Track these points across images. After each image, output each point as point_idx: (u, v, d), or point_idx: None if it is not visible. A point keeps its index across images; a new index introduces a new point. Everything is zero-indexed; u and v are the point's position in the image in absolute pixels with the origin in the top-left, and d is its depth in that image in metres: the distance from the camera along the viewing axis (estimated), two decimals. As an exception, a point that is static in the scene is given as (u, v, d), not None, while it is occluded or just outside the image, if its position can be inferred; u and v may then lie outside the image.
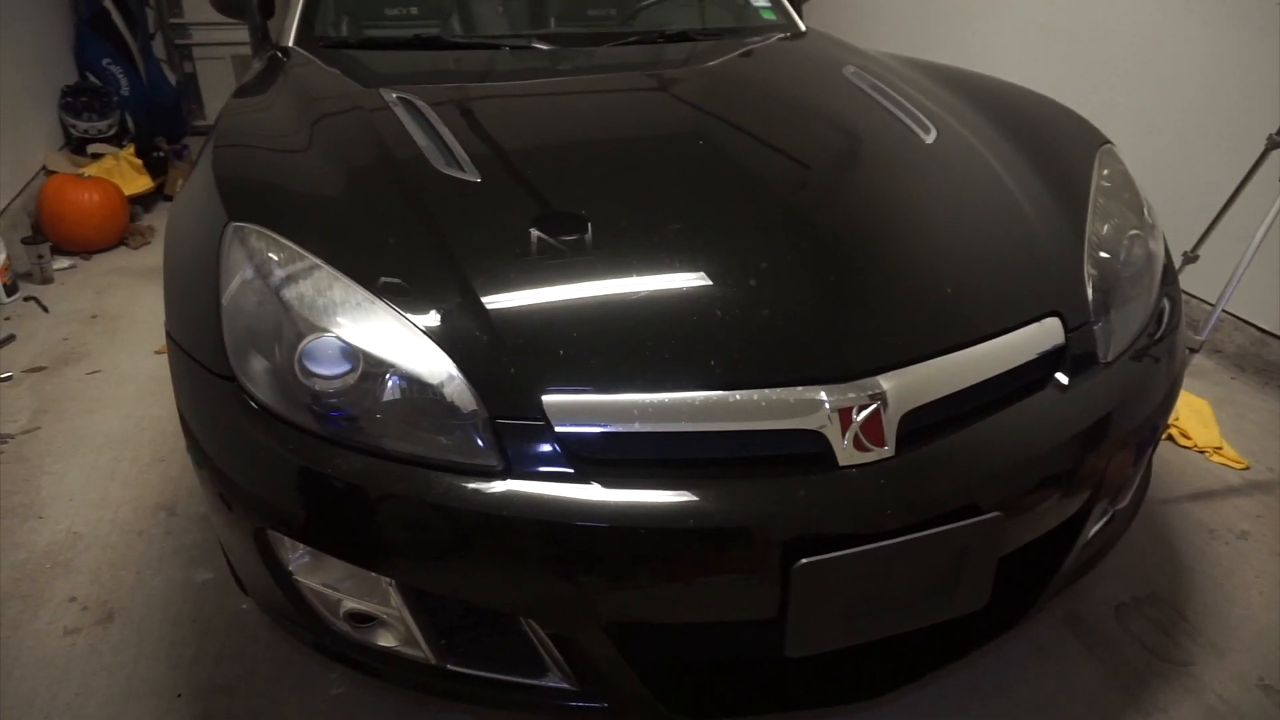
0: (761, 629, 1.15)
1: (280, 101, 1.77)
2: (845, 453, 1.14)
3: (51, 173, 3.80)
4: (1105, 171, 1.64)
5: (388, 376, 1.14)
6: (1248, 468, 2.15)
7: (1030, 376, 1.30)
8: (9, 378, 2.57)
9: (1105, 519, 1.50)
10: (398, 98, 1.68)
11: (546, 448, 1.11)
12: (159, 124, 4.63)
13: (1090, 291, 1.41)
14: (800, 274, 1.30)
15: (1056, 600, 1.68)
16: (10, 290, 3.10)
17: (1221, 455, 2.19)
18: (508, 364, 1.14)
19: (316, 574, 1.23)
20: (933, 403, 1.20)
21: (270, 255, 1.23)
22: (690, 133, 1.69)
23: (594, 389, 1.13)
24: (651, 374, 1.15)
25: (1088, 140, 1.72)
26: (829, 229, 1.42)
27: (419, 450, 1.12)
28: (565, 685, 1.21)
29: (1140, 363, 1.40)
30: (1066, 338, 1.33)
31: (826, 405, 1.14)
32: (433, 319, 1.17)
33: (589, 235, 1.32)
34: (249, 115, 1.74)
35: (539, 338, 1.17)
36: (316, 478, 1.13)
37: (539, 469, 1.10)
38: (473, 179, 1.42)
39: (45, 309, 3.06)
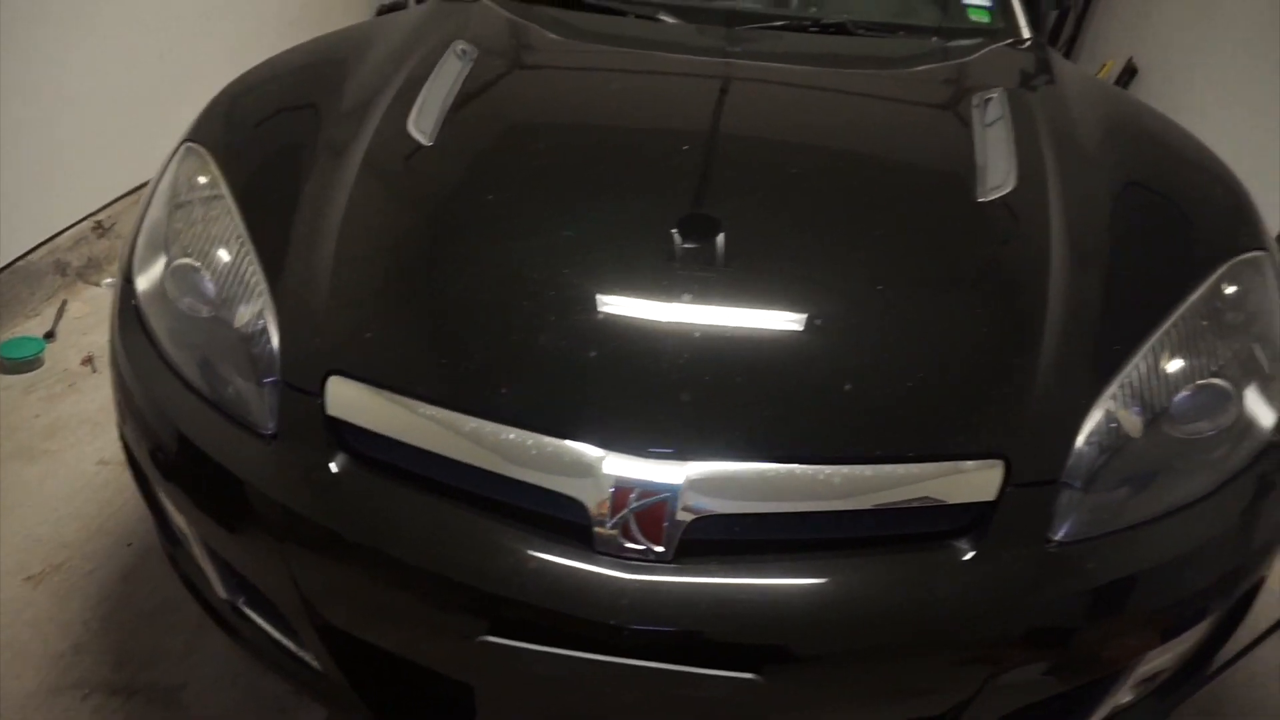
0: (465, 691, 1.03)
1: (377, 28, 1.82)
2: (603, 536, 0.96)
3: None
4: (1229, 290, 1.17)
5: (225, 315, 1.16)
6: None
7: (916, 527, 0.99)
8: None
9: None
10: (461, 48, 1.66)
11: (313, 428, 1.06)
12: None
13: (1081, 441, 1.03)
14: (659, 315, 1.09)
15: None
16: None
17: None
18: (318, 332, 1.11)
19: (162, 477, 1.31)
20: (748, 517, 0.97)
21: (196, 178, 1.30)
22: (699, 135, 1.45)
23: (378, 381, 1.06)
24: (441, 384, 1.04)
25: (1228, 240, 1.24)
26: (736, 272, 1.16)
27: (212, 393, 1.13)
28: (316, 665, 1.18)
29: (1134, 549, 1.01)
30: (1002, 493, 0.99)
31: (599, 474, 0.96)
32: (282, 268, 1.17)
33: (472, 227, 1.22)
34: (334, 37, 1.81)
35: (360, 314, 1.12)
36: (143, 395, 1.19)
37: (299, 447, 1.06)
38: (424, 141, 1.37)
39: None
